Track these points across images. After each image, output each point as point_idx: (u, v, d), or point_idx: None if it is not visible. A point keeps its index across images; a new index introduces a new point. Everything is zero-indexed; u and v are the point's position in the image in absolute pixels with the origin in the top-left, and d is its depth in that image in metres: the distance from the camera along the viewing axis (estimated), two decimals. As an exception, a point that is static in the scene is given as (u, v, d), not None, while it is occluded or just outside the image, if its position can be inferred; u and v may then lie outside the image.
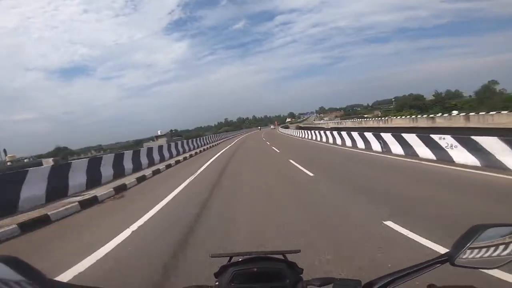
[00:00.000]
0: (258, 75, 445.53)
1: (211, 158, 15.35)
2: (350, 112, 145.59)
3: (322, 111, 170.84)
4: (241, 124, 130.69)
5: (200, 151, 21.89)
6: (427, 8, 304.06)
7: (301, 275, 0.81)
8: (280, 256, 0.84)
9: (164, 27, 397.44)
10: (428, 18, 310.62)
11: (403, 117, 39.58)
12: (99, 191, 7.12)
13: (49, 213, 5.23)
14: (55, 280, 0.67)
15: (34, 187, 6.18)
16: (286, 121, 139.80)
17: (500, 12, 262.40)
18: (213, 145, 27.63)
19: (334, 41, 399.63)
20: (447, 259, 0.70)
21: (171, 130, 79.17)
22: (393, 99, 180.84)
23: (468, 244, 0.69)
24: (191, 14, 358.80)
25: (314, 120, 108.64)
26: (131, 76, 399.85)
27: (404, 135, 9.89)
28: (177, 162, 15.07)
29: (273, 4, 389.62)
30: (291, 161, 10.77)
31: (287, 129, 54.56)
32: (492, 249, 0.68)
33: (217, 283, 0.80)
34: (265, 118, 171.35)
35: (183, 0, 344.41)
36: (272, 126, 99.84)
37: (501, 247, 0.68)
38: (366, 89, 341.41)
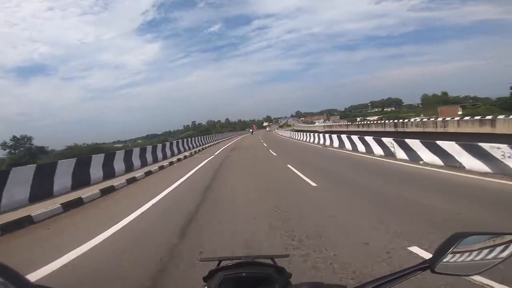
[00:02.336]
0: (233, 79, 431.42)
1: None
2: (329, 116, 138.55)
3: (300, 115, 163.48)
4: (212, 129, 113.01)
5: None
6: (394, 16, 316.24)
7: (290, 280, 0.80)
8: (269, 261, 0.86)
9: (136, 28, 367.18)
10: (394, 26, 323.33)
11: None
12: None
13: None
14: (35, 284, 0.65)
15: None
16: (264, 124, 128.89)
17: (458, 21, 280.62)
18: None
19: (307, 47, 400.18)
20: (428, 266, 0.71)
21: (15, 137, 39.85)
22: (369, 104, 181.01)
23: (448, 252, 0.69)
24: (166, 15, 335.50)
25: (298, 123, 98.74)
26: (97, 77, 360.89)
27: None
28: None
29: (250, 9, 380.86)
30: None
31: (286, 132, 43.43)
32: (471, 256, 0.69)
33: (205, 287, 0.79)
34: (240, 122, 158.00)
35: (159, 0, 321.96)
36: (267, 128, 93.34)
37: (480, 254, 0.69)
38: (340, 94, 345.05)
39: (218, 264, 0.85)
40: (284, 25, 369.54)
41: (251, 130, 74.97)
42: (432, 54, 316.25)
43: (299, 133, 31.25)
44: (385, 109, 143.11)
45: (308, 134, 25.06)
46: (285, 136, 37.28)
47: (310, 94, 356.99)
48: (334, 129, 39.67)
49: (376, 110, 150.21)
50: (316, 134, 22.19)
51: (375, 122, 37.08)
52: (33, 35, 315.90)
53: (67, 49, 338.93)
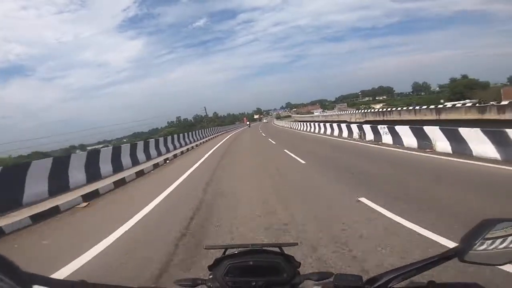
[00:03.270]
0: (220, 73, 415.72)
1: None
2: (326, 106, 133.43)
3: (291, 106, 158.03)
4: (197, 124, 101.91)
5: None
6: (379, 8, 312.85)
7: (298, 269, 0.78)
8: (277, 249, 0.81)
9: (117, 25, 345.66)
10: (379, 17, 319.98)
11: None
12: None
13: None
14: (32, 274, 0.59)
15: None
16: (255, 117, 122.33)
17: (440, 11, 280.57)
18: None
19: (295, 40, 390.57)
20: (455, 254, 0.66)
21: None
22: (359, 93, 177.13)
23: (478, 240, 0.65)
24: (149, 11, 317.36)
25: (292, 114, 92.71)
26: (78, 76, 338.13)
27: None
28: None
29: (236, 2, 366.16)
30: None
31: (290, 123, 35.79)
32: (502, 244, 0.64)
33: (211, 276, 0.77)
34: (229, 116, 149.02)
35: None
36: (264, 120, 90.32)
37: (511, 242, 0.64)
38: (329, 85, 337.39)
39: (224, 252, 0.81)
40: (270, 18, 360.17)
41: (248, 122, 66.64)
42: (416, 44, 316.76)
43: (310, 124, 24.99)
44: (376, 98, 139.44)
45: (328, 125, 18.83)
46: (299, 130, 28.79)
47: (299, 85, 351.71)
48: (382, 118, 29.71)
49: (368, 99, 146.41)
50: (346, 126, 16.00)
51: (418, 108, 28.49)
52: (8, 35, 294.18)
53: (44, 49, 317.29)
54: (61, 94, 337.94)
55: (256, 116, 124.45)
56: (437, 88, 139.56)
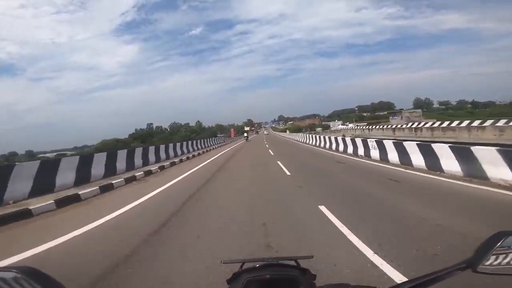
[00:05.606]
0: (212, 83, 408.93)
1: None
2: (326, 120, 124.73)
3: (284, 120, 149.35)
4: (159, 134, 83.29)
5: None
6: (372, 25, 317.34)
7: (314, 282, 0.78)
8: (293, 262, 0.82)
9: (114, 28, 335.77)
10: (372, 34, 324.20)
11: None
12: None
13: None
14: None
15: None
16: (245, 129, 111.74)
17: (430, 29, 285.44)
18: None
19: (289, 53, 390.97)
20: (468, 265, 0.67)
21: None
22: (356, 108, 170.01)
23: (491, 251, 0.65)
24: (147, 17, 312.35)
25: (316, 129, 74.43)
26: (68, 79, 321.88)
27: None
28: None
29: (233, 13, 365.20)
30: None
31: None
32: None
33: None
34: (217, 126, 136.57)
35: (140, 1, 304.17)
36: (265, 132, 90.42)
37: None
38: (322, 100, 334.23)
39: (241, 266, 0.82)
40: (266, 31, 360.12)
41: (246, 135, 50.03)
42: (406, 61, 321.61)
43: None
44: (376, 113, 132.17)
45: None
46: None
47: (291, 99, 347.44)
48: None
49: (366, 114, 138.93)
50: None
51: None
52: (2, 33, 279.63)
53: (36, 48, 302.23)
54: (48, 96, 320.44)
55: (247, 128, 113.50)
56: (437, 105, 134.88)
